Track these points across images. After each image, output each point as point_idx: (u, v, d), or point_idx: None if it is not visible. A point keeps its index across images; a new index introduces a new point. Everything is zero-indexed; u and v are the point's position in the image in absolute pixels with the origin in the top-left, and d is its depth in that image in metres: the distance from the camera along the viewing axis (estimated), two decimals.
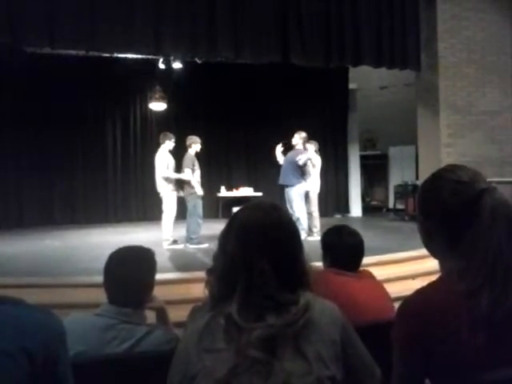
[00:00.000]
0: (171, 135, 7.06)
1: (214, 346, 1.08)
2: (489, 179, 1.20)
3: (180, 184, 7.01)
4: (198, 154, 7.11)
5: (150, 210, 10.65)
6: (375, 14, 7.69)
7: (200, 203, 6.94)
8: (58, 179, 9.96)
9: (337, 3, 7.47)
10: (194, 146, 6.99)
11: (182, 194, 7.01)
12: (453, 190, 1.14)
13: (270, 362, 1.04)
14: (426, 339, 1.06)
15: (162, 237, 6.91)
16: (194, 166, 6.88)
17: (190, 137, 7.09)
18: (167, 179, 6.88)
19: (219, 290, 1.16)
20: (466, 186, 1.14)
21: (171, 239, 6.91)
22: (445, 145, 8.10)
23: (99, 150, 10.38)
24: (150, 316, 2.04)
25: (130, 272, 1.83)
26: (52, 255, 6.43)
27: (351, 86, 11.02)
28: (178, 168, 7.05)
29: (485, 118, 8.31)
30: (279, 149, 7.55)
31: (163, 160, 6.90)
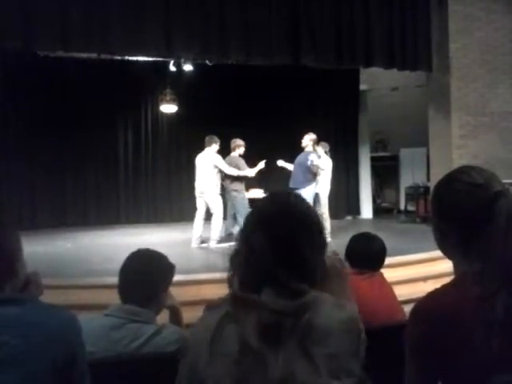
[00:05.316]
0: (217, 138, 7.19)
1: (224, 349, 1.06)
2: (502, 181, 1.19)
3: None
4: (241, 156, 7.35)
5: (161, 212, 10.71)
6: (386, 14, 7.66)
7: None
8: (70, 181, 10.05)
9: (348, 4, 7.45)
10: (238, 149, 7.27)
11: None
12: (467, 193, 1.13)
13: (270, 355, 1.00)
14: (438, 342, 1.06)
15: (211, 236, 6.99)
16: (237, 166, 7.14)
17: (233, 140, 7.36)
18: (218, 180, 7.08)
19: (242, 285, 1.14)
20: (480, 188, 1.12)
21: (218, 238, 7.02)
22: (456, 146, 8.04)
23: (111, 152, 10.46)
24: (164, 317, 2.05)
25: (142, 272, 1.85)
26: (64, 257, 6.48)
27: (362, 87, 10.98)
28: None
29: (497, 119, 8.23)
30: (282, 163, 7.59)
31: (222, 161, 7.06)
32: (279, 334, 1.02)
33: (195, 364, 1.09)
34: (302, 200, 1.23)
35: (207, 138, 7.19)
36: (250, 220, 1.18)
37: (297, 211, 1.17)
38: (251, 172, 7.22)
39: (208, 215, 7.11)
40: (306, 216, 1.18)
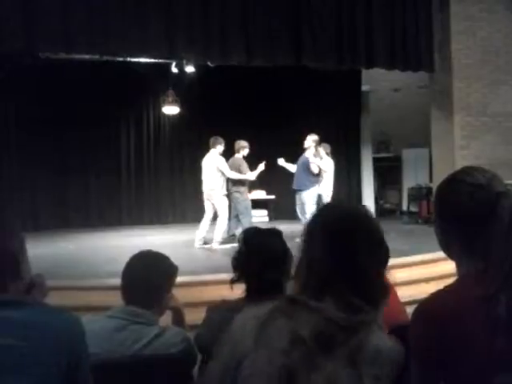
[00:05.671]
0: (221, 139, 7.20)
1: (272, 339, 1.07)
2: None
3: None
4: (245, 158, 7.35)
5: (163, 213, 10.72)
6: (388, 15, 7.65)
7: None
8: (73, 183, 10.06)
9: (350, 5, 7.45)
10: (242, 151, 7.27)
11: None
12: (470, 193, 1.13)
13: (319, 357, 1.03)
14: (441, 342, 1.06)
15: (214, 238, 7.00)
16: (239, 169, 7.14)
17: (237, 141, 7.35)
18: (224, 181, 7.07)
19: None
20: (482, 189, 1.13)
21: (221, 240, 7.03)
22: (459, 147, 8.03)
23: (113, 154, 10.48)
24: (167, 318, 2.06)
25: (145, 274, 1.86)
26: (66, 258, 6.49)
27: (364, 88, 10.97)
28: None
29: (500, 119, 8.21)
30: (282, 162, 7.57)
31: (224, 163, 7.06)
32: (330, 343, 1.04)
33: (235, 349, 1.10)
34: (369, 213, 1.23)
35: (212, 140, 7.20)
36: (313, 226, 1.19)
37: (361, 223, 1.18)
38: (252, 176, 7.21)
39: (216, 217, 7.14)
40: (370, 229, 1.18)
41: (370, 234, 1.17)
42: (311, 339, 1.03)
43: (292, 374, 1.02)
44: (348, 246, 1.13)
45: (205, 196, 7.12)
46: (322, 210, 1.24)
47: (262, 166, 7.27)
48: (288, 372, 1.02)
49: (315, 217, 1.22)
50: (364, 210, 1.22)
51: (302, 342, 1.03)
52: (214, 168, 6.98)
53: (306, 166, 7.18)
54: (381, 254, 1.17)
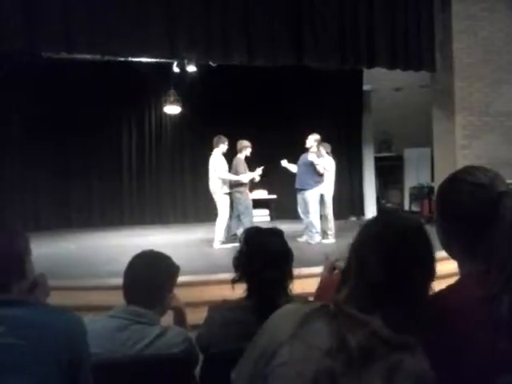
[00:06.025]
0: (225, 138, 7.21)
1: (312, 338, 1.07)
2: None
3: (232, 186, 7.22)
4: (247, 158, 7.34)
5: (165, 213, 10.73)
6: (390, 15, 7.64)
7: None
8: (74, 183, 10.07)
9: (351, 5, 7.45)
10: (245, 151, 7.25)
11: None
12: (471, 193, 1.13)
13: (359, 365, 1.02)
14: (442, 343, 1.05)
15: (215, 238, 7.04)
16: (245, 169, 7.15)
17: (240, 141, 7.32)
18: (224, 181, 7.04)
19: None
20: (484, 189, 1.12)
21: (223, 239, 7.04)
22: (460, 146, 8.01)
23: (115, 154, 10.49)
24: (168, 318, 2.06)
25: (146, 273, 1.86)
26: (68, 258, 6.49)
27: (365, 87, 10.96)
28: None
29: (501, 118, 8.19)
30: (285, 163, 7.57)
31: (221, 162, 7.06)
32: (371, 356, 1.03)
33: (268, 345, 1.10)
34: (424, 226, 1.20)
35: (215, 139, 7.22)
36: (365, 236, 1.17)
37: (418, 237, 1.15)
38: (244, 178, 7.13)
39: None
40: (425, 244, 1.15)
41: (424, 249, 1.15)
42: (356, 349, 1.03)
43: (333, 377, 1.02)
44: (402, 258, 1.10)
45: (212, 195, 7.17)
46: (379, 218, 1.21)
47: (259, 171, 7.26)
48: (329, 374, 1.02)
49: (371, 224, 1.19)
50: (420, 223, 1.19)
51: (346, 348, 1.03)
52: (214, 168, 7.00)
53: (312, 166, 7.17)
54: (431, 270, 1.14)
